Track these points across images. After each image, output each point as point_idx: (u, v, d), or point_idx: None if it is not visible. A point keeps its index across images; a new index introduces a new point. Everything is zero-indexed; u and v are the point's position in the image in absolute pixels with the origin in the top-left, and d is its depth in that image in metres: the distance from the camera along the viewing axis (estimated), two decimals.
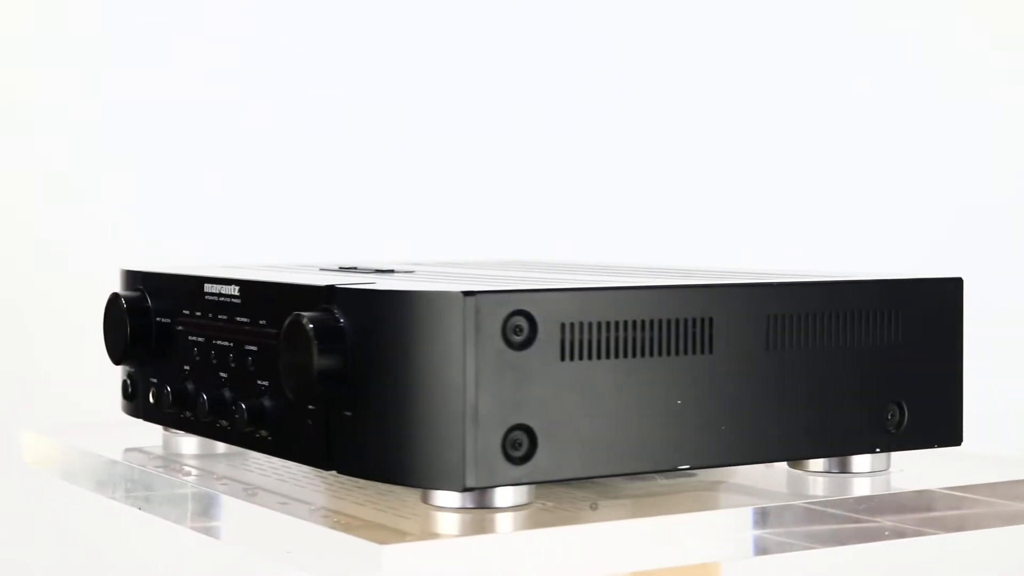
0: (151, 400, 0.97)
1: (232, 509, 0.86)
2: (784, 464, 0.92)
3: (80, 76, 1.86)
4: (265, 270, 0.98)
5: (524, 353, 0.76)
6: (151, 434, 1.03)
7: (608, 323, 0.79)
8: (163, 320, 0.97)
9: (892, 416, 0.90)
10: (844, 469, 0.91)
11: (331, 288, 0.81)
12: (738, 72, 1.88)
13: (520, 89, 1.87)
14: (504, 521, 0.78)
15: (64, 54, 1.86)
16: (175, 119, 1.86)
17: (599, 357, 0.79)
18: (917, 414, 0.90)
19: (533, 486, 0.80)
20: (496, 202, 1.87)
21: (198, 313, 0.94)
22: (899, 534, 0.88)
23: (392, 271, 0.95)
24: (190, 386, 0.94)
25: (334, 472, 0.81)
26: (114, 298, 0.99)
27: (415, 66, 1.86)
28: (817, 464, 0.91)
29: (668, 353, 0.81)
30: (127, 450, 1.00)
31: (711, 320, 0.82)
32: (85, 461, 1.02)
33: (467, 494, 0.78)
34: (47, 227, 1.86)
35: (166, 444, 1.01)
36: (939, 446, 0.92)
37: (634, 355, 0.80)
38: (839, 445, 0.89)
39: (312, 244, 1.85)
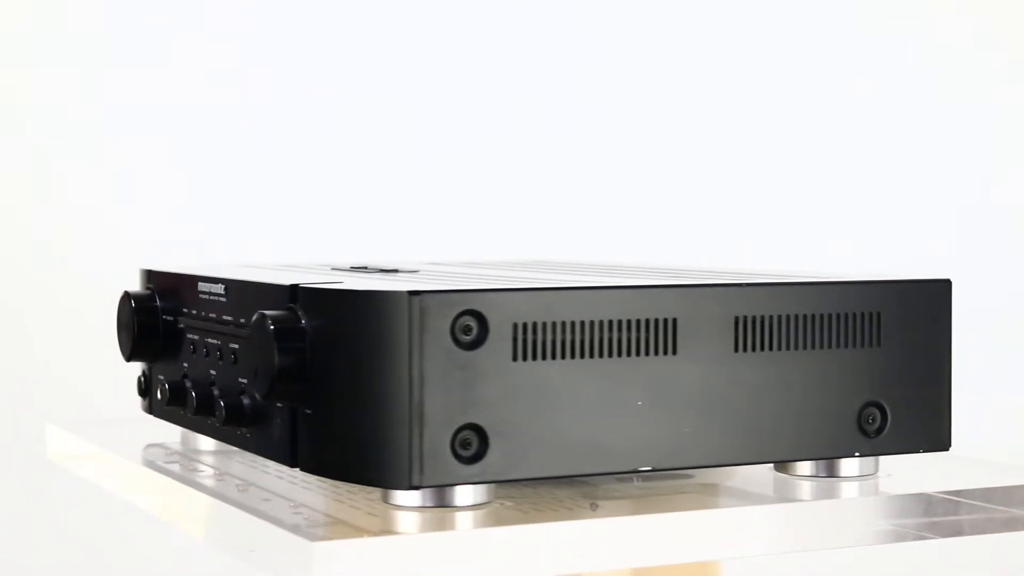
0: (158, 397, 0.97)
1: (205, 506, 0.85)
2: (770, 468, 0.88)
3: (80, 76, 1.84)
4: (252, 269, 0.98)
5: (475, 353, 0.75)
6: (174, 431, 1.02)
7: (564, 323, 0.77)
8: (168, 318, 0.97)
9: (872, 420, 0.86)
10: (831, 473, 0.87)
11: (295, 287, 0.80)
12: (738, 72, 1.84)
13: (520, 89, 1.84)
14: (451, 519, 0.76)
15: (64, 54, 1.84)
16: (175, 119, 1.84)
17: (554, 357, 0.77)
18: (900, 418, 0.86)
19: (493, 485, 0.78)
20: (496, 202, 1.84)
21: (194, 311, 0.94)
22: (898, 537, 0.84)
23: (396, 271, 0.93)
24: (187, 383, 0.93)
25: (298, 469, 0.81)
26: (124, 296, 0.99)
27: (415, 66, 1.84)
28: (804, 468, 0.87)
29: (628, 354, 0.78)
30: (148, 446, 1.01)
31: (675, 321, 0.79)
32: (101, 457, 1.02)
33: (425, 493, 0.77)
34: (47, 227, 1.84)
35: (184, 440, 1.01)
36: (925, 451, 0.87)
37: (591, 355, 0.77)
38: (814, 448, 0.85)
39: (306, 244, 1.83)
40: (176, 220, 1.84)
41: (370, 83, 1.84)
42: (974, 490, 0.86)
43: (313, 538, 0.71)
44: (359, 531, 0.74)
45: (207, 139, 1.84)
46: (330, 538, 0.72)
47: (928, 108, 1.86)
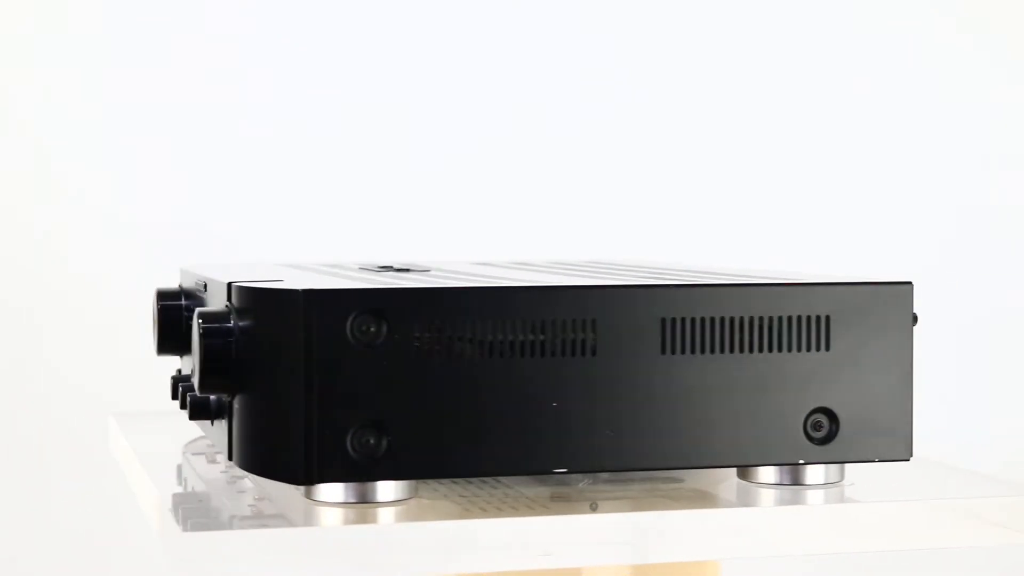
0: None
1: (158, 498, 0.85)
2: (733, 474, 0.84)
3: (80, 76, 1.82)
4: (241, 268, 0.99)
5: (374, 351, 0.73)
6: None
7: (472, 323, 0.74)
8: (187, 315, 1.00)
9: (819, 427, 0.79)
10: (795, 481, 0.81)
11: (230, 286, 0.80)
12: (738, 72, 1.80)
13: (520, 89, 1.80)
14: (346, 515, 0.75)
15: (64, 54, 1.82)
16: (175, 119, 1.81)
17: (459, 357, 0.74)
18: (853, 426, 0.80)
19: (414, 482, 0.78)
20: (496, 202, 1.80)
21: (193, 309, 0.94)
22: (857, 547, 0.79)
23: (408, 270, 0.93)
24: (192, 379, 0.93)
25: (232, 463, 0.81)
26: (155, 294, 1.01)
27: (415, 66, 1.81)
28: (768, 475, 0.82)
29: (542, 354, 0.75)
30: (192, 440, 1.02)
31: (594, 322, 0.75)
32: (128, 452, 1.04)
33: (347, 488, 0.76)
34: (47, 227, 1.82)
35: None
36: (882, 460, 0.81)
37: (500, 355, 0.74)
38: (754, 454, 0.79)
39: (304, 245, 1.80)
40: (177, 220, 1.82)
41: (370, 83, 1.81)
42: (939, 500, 0.81)
43: (189, 528, 0.72)
44: (277, 524, 0.74)
45: (208, 139, 1.82)
46: (217, 528, 0.74)
47: (929, 109, 1.80)
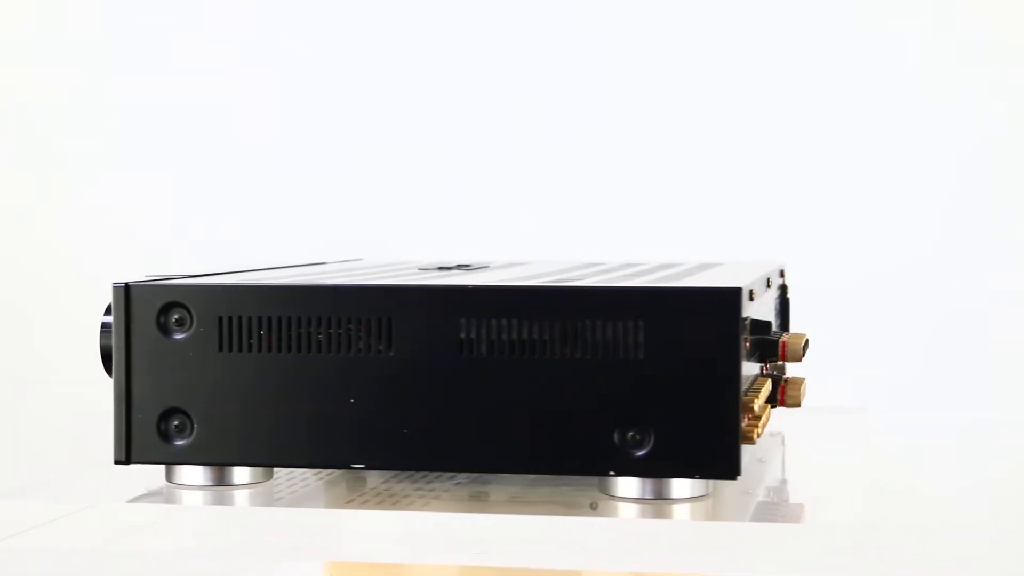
0: None
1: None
2: (595, 488, 0.82)
3: (80, 76, 1.84)
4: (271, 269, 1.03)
5: (181, 342, 0.80)
6: None
7: (271, 318, 0.80)
8: None
9: (632, 438, 0.77)
10: (659, 495, 0.79)
11: None
12: (738, 72, 1.76)
13: (520, 89, 1.79)
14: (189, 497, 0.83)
15: (64, 54, 1.84)
16: (175, 119, 1.83)
17: (260, 350, 0.80)
18: (669, 439, 0.77)
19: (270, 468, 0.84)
20: (495, 202, 1.80)
21: None
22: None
23: (468, 266, 0.97)
24: None
25: None
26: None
27: (415, 66, 1.80)
28: (629, 490, 0.79)
29: (338, 351, 0.79)
30: None
31: (389, 321, 0.78)
32: None
33: (206, 472, 0.83)
34: (47, 227, 1.84)
35: None
36: (703, 477, 0.79)
37: (299, 350, 0.80)
38: (558, 463, 0.78)
39: (305, 244, 1.80)
40: (177, 219, 1.83)
41: (370, 84, 1.81)
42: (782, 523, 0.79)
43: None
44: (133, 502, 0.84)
45: (208, 139, 1.85)
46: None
47: (925, 106, 1.75)
